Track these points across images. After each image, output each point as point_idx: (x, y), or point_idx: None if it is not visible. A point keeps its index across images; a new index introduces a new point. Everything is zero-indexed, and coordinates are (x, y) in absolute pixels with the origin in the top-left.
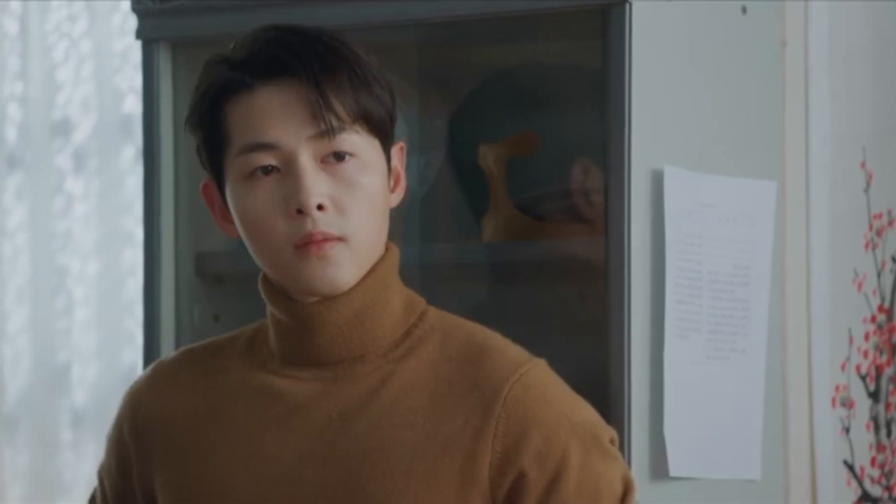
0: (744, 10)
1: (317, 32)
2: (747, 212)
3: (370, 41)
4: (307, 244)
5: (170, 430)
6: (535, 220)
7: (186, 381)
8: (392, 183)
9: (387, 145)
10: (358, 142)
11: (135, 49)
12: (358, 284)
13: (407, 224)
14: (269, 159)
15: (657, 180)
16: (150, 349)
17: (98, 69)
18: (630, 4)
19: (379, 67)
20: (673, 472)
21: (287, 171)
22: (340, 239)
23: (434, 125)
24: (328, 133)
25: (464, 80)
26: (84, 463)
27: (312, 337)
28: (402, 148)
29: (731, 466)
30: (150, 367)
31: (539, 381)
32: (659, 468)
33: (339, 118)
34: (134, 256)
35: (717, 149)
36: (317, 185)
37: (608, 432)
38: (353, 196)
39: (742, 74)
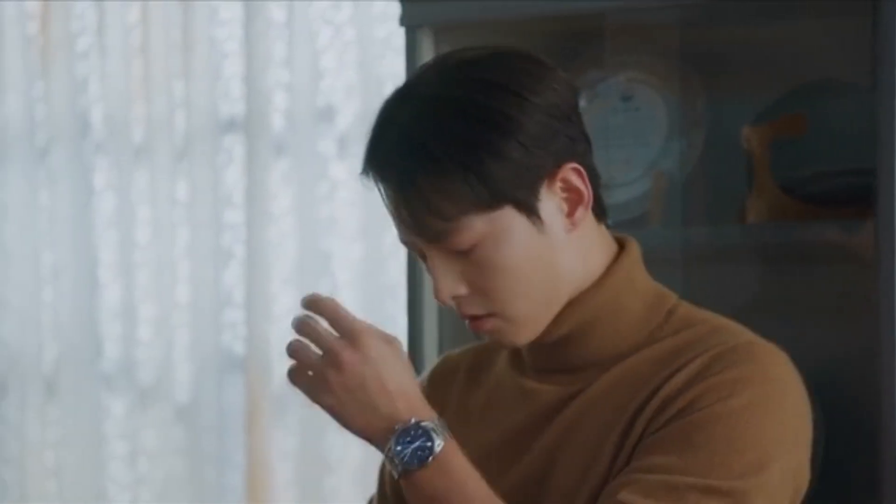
0: None
1: (400, 128)
2: None
3: (631, 22)
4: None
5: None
6: (800, 202)
7: (461, 378)
8: (567, 207)
9: (525, 198)
10: (472, 230)
11: (397, 35)
12: (586, 296)
13: (668, 206)
14: (416, 249)
15: None
16: (413, 332)
17: (361, 56)
18: None
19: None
20: None
21: None
22: (491, 315)
23: (696, 106)
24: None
25: (726, 60)
26: (350, 445)
27: (546, 347)
28: (573, 168)
29: None
30: (438, 360)
31: (745, 351)
32: None
33: (433, 230)
34: (396, 239)
35: None
36: (447, 279)
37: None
38: (490, 276)
39: None
